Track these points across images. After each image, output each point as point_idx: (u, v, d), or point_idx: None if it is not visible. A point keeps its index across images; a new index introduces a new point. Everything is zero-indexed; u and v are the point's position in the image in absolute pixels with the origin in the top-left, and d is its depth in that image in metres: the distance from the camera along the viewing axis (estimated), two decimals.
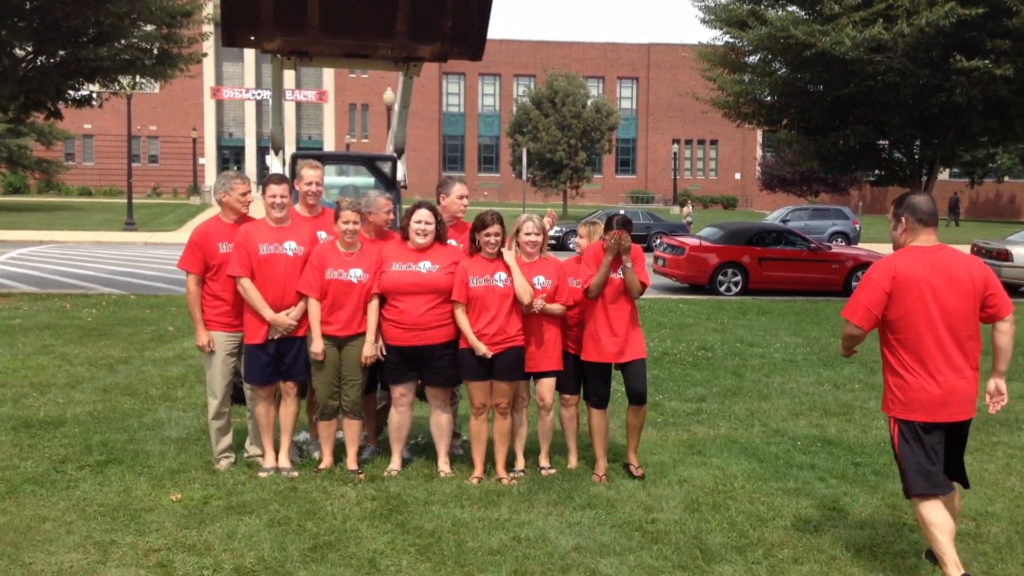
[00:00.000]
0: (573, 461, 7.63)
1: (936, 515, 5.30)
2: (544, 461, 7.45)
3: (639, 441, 7.54)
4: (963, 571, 5.23)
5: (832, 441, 8.54)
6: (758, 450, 8.18)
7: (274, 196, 7.11)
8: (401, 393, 7.26)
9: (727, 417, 9.40)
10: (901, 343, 5.41)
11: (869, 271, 5.49)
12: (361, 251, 7.13)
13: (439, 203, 7.67)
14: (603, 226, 7.49)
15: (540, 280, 7.15)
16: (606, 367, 7.32)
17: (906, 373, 5.39)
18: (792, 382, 11.20)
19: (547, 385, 7.37)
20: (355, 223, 7.03)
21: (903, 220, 5.48)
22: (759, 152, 75.56)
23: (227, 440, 7.40)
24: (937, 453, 5.42)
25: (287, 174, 9.25)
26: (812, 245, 22.23)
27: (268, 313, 7.01)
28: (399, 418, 7.30)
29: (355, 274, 7.03)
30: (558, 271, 7.25)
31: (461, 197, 7.67)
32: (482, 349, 6.96)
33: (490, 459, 7.33)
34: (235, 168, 68.90)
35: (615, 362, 7.27)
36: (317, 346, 7.05)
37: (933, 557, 5.53)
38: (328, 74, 71.74)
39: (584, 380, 7.47)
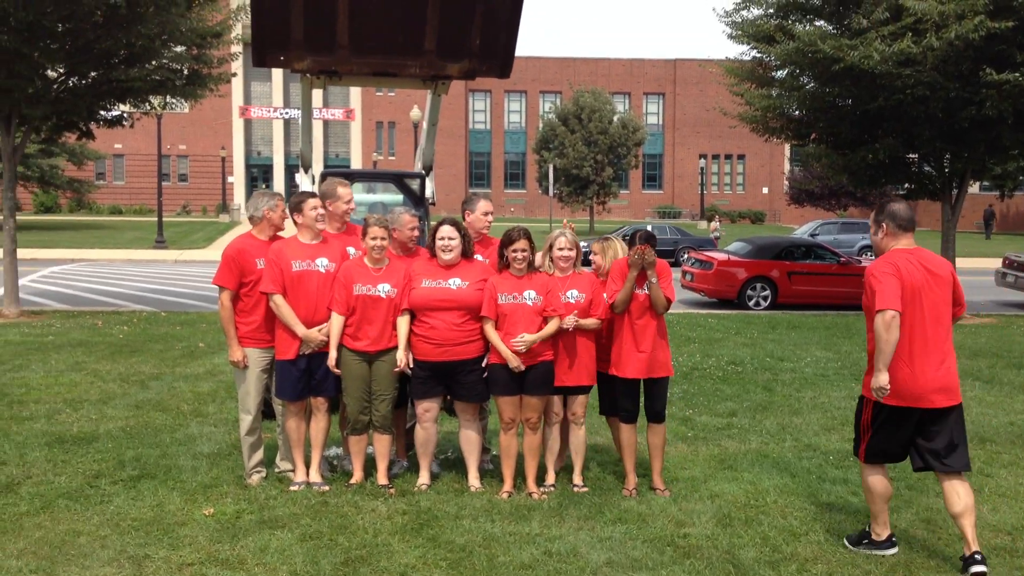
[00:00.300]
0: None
1: (879, 484, 6.02)
2: (577, 479, 7.41)
3: (663, 463, 7.49)
4: (889, 532, 6.05)
5: None
6: (790, 465, 8.14)
7: (315, 209, 7.20)
8: (425, 408, 7.28)
9: (758, 432, 9.35)
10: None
11: (875, 271, 5.80)
12: (389, 267, 7.18)
13: (464, 219, 7.70)
14: (617, 244, 7.55)
15: (574, 294, 7.16)
16: (634, 382, 7.30)
17: (897, 362, 5.73)
18: (824, 396, 11.12)
19: (580, 401, 7.37)
20: (383, 239, 7.09)
21: (884, 226, 5.95)
22: (787, 166, 75.18)
23: (259, 455, 7.45)
24: (904, 435, 5.93)
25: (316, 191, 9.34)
26: (842, 259, 22.12)
27: (300, 329, 7.06)
28: (424, 434, 7.32)
29: (383, 289, 7.07)
30: (592, 284, 7.26)
31: (486, 213, 7.70)
32: (515, 361, 6.97)
33: (520, 474, 7.33)
34: (263, 186, 69.42)
35: (641, 378, 7.26)
36: (332, 358, 7.11)
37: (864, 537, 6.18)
38: (355, 92, 72.16)
39: (614, 395, 7.46)
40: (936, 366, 5.79)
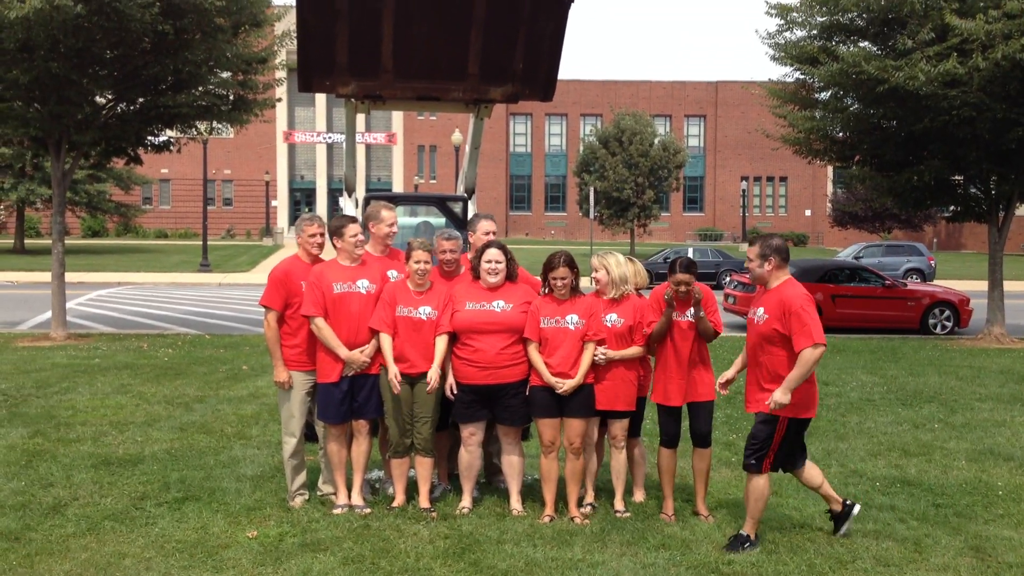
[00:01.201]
0: (639, 496, 7.69)
1: (768, 489, 6.68)
2: (619, 504, 7.36)
3: (707, 488, 7.44)
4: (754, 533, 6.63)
5: (912, 482, 8.35)
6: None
7: (355, 235, 7.23)
8: (471, 432, 7.27)
9: None
10: None
11: (808, 302, 6.44)
12: (431, 289, 7.19)
13: (469, 239, 7.77)
14: (635, 266, 7.51)
15: (612, 318, 7.15)
16: (675, 408, 7.27)
17: (811, 380, 6.56)
18: (870, 421, 10.98)
19: (620, 425, 7.33)
20: (426, 263, 7.11)
21: (772, 260, 6.59)
22: (830, 188, 74.65)
23: (302, 478, 7.48)
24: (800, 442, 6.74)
25: (360, 215, 9.40)
26: (887, 282, 21.88)
27: (343, 351, 7.09)
28: (469, 457, 7.30)
29: (425, 311, 7.09)
30: (636, 310, 7.23)
31: (487, 232, 7.70)
32: (552, 382, 6.95)
33: (561, 498, 7.28)
34: (307, 210, 70.03)
35: (682, 404, 7.23)
36: (392, 373, 7.02)
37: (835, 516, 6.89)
38: (397, 117, 72.73)
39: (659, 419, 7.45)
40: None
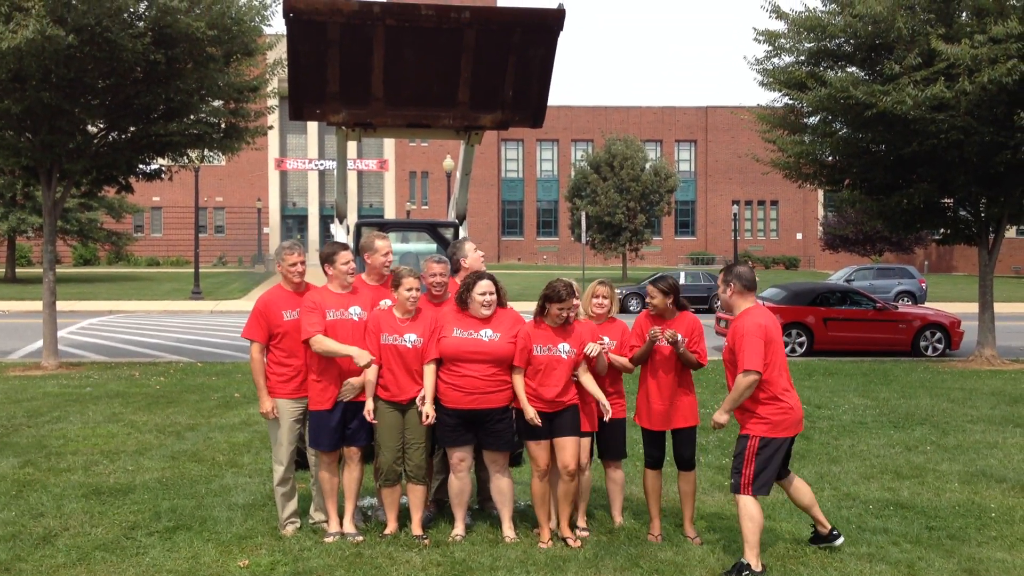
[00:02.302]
0: (618, 519, 7.68)
1: (758, 511, 6.54)
2: (581, 522, 7.42)
3: (694, 510, 7.46)
4: (763, 565, 6.52)
5: (905, 505, 8.35)
6: (829, 514, 8.00)
7: (347, 263, 7.24)
8: (460, 458, 7.24)
9: None
10: (774, 379, 6.52)
11: (752, 329, 6.49)
12: (417, 316, 7.19)
13: (461, 266, 7.80)
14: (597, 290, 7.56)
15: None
16: (658, 432, 7.33)
17: (783, 399, 6.55)
18: (862, 444, 10.98)
19: (582, 445, 7.34)
20: (417, 290, 7.11)
21: (732, 285, 6.76)
22: (820, 212, 74.89)
23: (292, 505, 7.45)
24: (780, 462, 6.67)
25: (352, 241, 9.42)
26: (878, 305, 21.93)
27: (353, 350, 7.03)
28: (459, 484, 7.27)
29: (410, 339, 7.08)
30: (591, 333, 7.28)
31: (474, 249, 7.85)
32: (530, 413, 6.96)
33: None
34: (297, 236, 69.96)
35: (663, 430, 7.26)
36: (368, 408, 7.11)
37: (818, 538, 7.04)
38: (389, 143, 72.83)
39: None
40: (798, 400, 6.75)
